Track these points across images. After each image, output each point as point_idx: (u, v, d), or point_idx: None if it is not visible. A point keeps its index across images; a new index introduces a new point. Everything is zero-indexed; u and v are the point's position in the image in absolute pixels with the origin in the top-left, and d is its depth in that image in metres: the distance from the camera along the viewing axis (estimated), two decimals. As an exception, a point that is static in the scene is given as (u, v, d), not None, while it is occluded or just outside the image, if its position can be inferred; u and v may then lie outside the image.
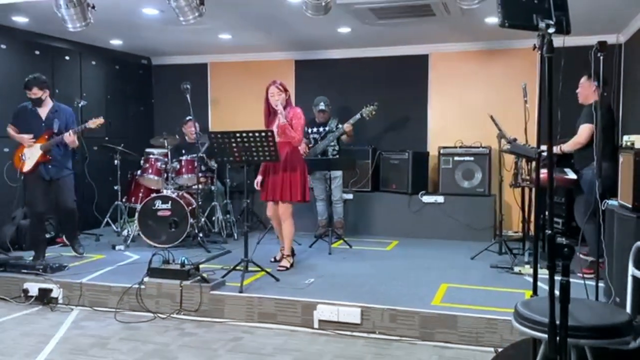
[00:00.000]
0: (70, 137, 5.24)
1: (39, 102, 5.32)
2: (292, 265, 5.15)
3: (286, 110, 5.04)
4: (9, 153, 6.03)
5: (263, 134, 4.55)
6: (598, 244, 3.77)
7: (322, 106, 6.58)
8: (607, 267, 3.89)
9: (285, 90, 5.10)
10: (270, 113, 5.15)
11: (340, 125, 6.49)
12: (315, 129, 6.64)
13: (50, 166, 5.31)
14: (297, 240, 6.22)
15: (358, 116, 6.39)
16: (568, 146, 4.81)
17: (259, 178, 5.17)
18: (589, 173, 4.58)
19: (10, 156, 5.59)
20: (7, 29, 6.16)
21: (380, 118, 6.55)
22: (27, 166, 5.28)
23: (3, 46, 6.14)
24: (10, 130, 5.41)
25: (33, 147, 5.27)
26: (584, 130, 4.65)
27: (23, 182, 5.51)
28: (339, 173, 6.60)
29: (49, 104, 5.41)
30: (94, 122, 5.34)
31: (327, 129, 6.57)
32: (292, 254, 5.29)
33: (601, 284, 3.77)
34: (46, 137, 5.30)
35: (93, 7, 4.82)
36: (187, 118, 6.77)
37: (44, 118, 5.35)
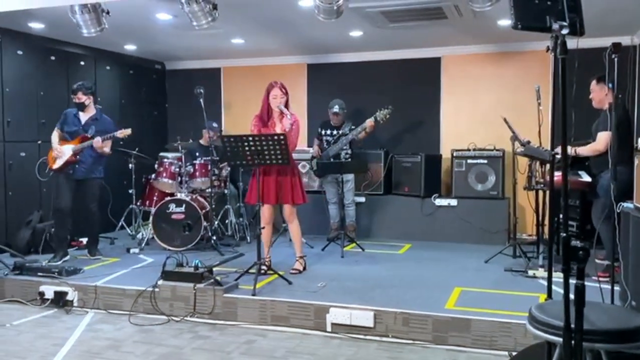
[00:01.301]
0: (98, 143, 5.44)
1: (82, 106, 5.61)
2: (304, 268, 5.15)
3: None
4: (26, 157, 6.13)
5: (275, 137, 4.57)
6: (613, 247, 3.73)
7: (336, 109, 6.58)
8: (622, 271, 3.85)
9: (287, 93, 5.00)
10: (269, 115, 5.03)
11: (353, 127, 6.47)
12: (328, 131, 6.64)
13: (77, 166, 5.52)
14: (309, 243, 6.25)
15: (372, 119, 6.36)
16: (585, 151, 4.75)
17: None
18: (606, 177, 4.51)
19: (27, 160, 5.70)
20: (23, 35, 6.25)
21: (392, 121, 6.53)
22: (57, 164, 5.52)
23: (19, 52, 6.22)
24: (54, 136, 5.63)
25: (65, 147, 5.49)
26: (603, 138, 4.56)
27: (51, 179, 5.71)
28: (351, 176, 6.57)
29: (91, 111, 5.68)
30: (122, 133, 5.57)
31: (340, 132, 6.56)
32: (302, 259, 5.24)
33: (617, 288, 3.73)
34: (79, 140, 5.50)
35: (107, 13, 4.89)
36: (214, 125, 6.80)
37: (83, 123, 5.61)
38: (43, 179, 5.90)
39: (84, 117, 5.64)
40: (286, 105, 4.99)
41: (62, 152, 5.49)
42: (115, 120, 5.81)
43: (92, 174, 5.62)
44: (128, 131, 5.58)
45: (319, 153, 6.60)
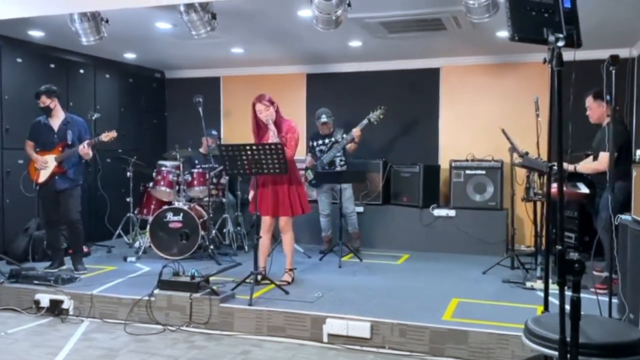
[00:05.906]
0: (84, 150, 5.30)
1: (48, 111, 5.40)
2: (293, 280, 5.09)
3: (282, 125, 4.97)
4: (23, 165, 6.10)
5: (273, 146, 4.56)
6: (611, 259, 3.72)
7: (324, 118, 6.41)
8: (620, 283, 3.83)
9: (272, 103, 4.96)
10: (260, 128, 5.03)
11: (345, 135, 6.36)
12: (320, 142, 6.51)
13: (57, 177, 5.35)
14: (307, 253, 6.23)
15: (365, 121, 6.22)
16: (585, 169, 4.71)
17: (252, 193, 5.01)
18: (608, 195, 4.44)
19: (25, 168, 5.66)
20: (23, 42, 6.27)
21: (391, 131, 6.52)
22: (42, 177, 5.37)
23: (19, 60, 6.24)
24: (28, 148, 5.49)
25: (48, 157, 5.35)
26: (604, 159, 4.45)
27: (38, 193, 5.52)
28: (348, 184, 6.41)
29: (60, 116, 5.48)
30: (107, 136, 5.42)
31: (332, 140, 6.44)
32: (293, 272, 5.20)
33: (615, 300, 3.71)
34: (60, 148, 5.37)
35: (106, 21, 4.91)
36: (213, 132, 6.80)
37: (56, 130, 5.42)
38: (29, 194, 5.60)
39: (55, 123, 5.41)
40: (278, 115, 4.98)
41: (46, 163, 5.32)
42: (114, 128, 5.75)
43: (75, 182, 5.43)
44: (113, 133, 5.42)
45: (312, 163, 6.49)
